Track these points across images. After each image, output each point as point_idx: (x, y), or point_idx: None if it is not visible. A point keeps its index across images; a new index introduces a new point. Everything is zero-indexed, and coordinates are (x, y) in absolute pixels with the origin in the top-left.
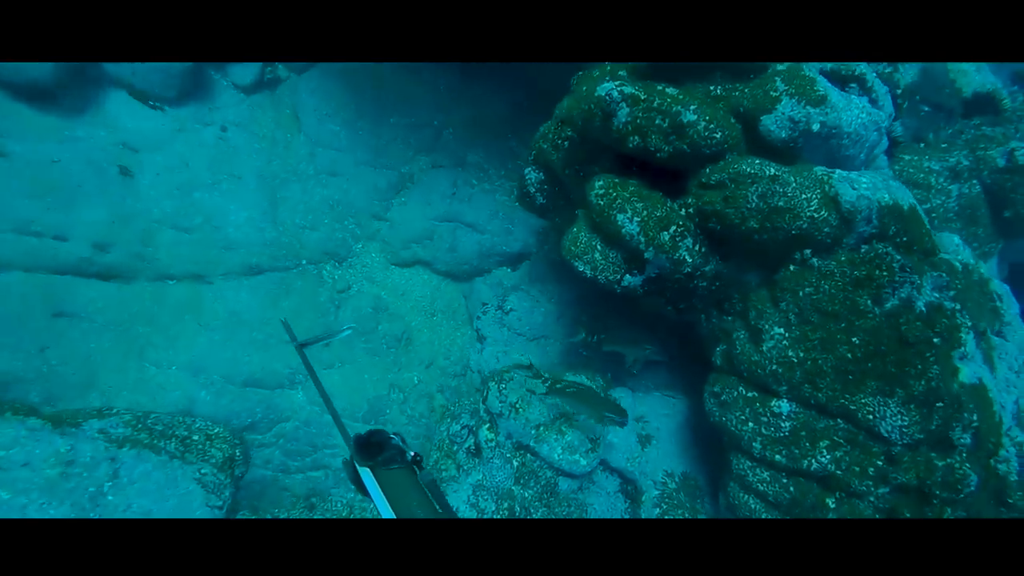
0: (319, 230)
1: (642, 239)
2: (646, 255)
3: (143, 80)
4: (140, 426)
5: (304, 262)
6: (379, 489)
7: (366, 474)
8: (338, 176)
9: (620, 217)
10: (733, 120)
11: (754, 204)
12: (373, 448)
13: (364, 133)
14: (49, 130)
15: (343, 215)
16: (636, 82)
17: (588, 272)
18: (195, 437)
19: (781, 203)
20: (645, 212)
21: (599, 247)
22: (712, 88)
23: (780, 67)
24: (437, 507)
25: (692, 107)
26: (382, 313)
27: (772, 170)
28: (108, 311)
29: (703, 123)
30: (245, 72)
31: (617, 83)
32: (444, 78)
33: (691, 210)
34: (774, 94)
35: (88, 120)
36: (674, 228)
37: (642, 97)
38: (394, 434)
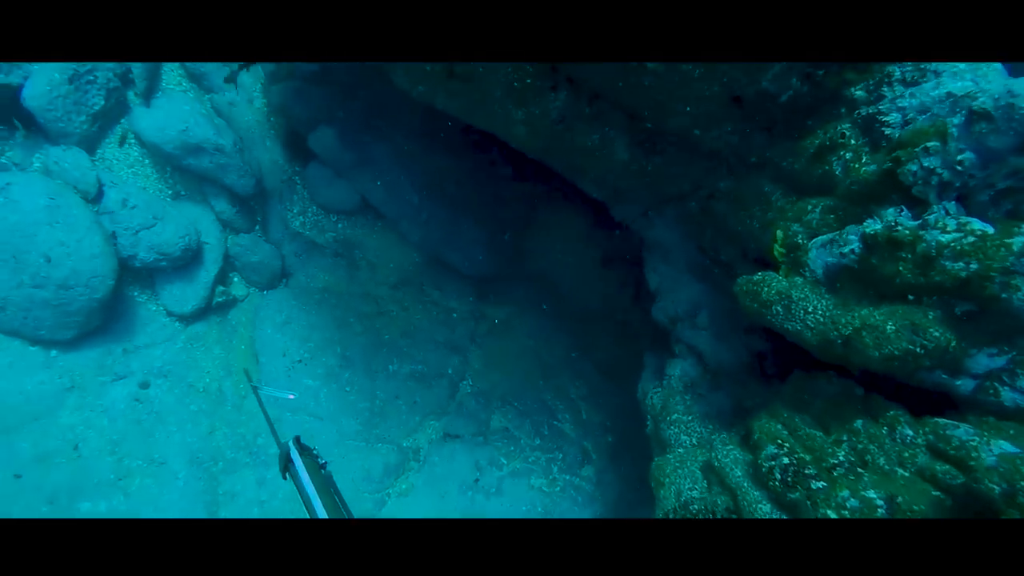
0: None
1: None
2: None
3: (21, 316)
4: None
5: None
6: (305, 468)
7: (296, 458)
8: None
9: None
10: None
11: None
12: (304, 447)
13: (353, 390)
14: None
15: None
16: None
17: None
18: None
19: None
20: None
21: None
22: None
23: None
24: (333, 491)
25: None
26: None
27: None
28: None
29: None
30: (186, 294)
31: None
32: (458, 301)
33: None
34: None
35: None
36: None
37: None
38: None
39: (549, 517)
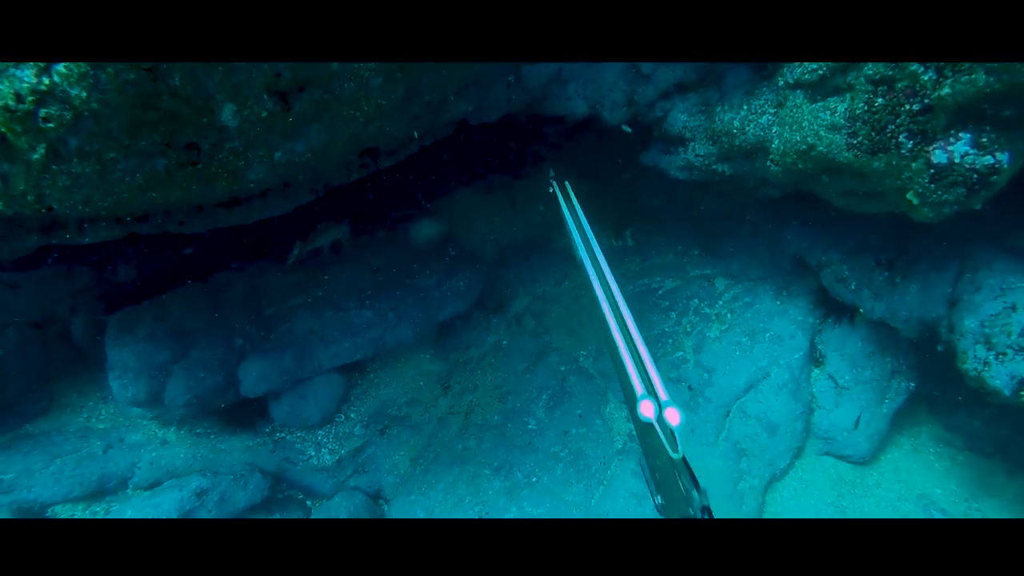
0: None
1: None
2: None
3: None
4: None
5: None
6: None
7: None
8: None
9: None
10: None
11: None
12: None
13: (537, 474)
14: None
15: None
16: None
17: None
18: None
19: None
20: None
21: None
22: None
23: None
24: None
25: None
26: None
27: None
28: None
29: None
30: None
31: None
32: (492, 331)
33: None
34: None
35: None
36: None
37: None
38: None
39: (795, 338)
